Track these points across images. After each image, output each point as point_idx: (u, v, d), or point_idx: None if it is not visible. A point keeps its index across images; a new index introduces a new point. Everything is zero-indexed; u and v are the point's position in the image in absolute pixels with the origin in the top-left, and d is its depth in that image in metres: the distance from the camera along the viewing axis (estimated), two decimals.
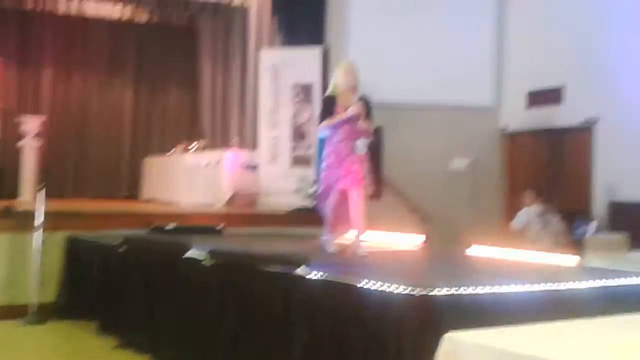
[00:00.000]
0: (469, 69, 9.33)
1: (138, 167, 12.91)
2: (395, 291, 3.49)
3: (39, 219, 6.17)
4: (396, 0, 9.45)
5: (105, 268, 5.90)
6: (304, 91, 9.42)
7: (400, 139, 8.76)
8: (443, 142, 9.18)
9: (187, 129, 13.62)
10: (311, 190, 8.48)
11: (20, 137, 9.03)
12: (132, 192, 12.75)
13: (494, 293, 3.60)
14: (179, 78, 13.72)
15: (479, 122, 9.44)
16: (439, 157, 9.26)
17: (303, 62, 9.37)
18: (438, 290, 3.44)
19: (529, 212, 7.84)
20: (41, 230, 6.19)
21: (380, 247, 6.10)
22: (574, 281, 3.95)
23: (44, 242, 6.18)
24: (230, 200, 9.34)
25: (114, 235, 6.10)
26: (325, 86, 9.10)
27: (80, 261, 6.34)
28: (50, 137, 9.99)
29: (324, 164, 5.59)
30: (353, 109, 5.40)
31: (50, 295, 6.27)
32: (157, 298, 5.16)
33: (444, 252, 5.94)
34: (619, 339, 2.43)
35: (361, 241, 5.48)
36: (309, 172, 9.02)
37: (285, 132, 9.46)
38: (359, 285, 3.69)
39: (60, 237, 6.45)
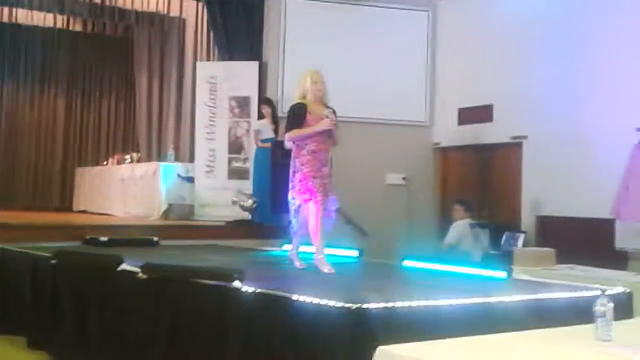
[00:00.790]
0: (404, 86, 9.52)
1: (71, 178, 12.67)
2: (330, 305, 3.53)
3: None
4: (333, 18, 9.57)
5: (36, 281, 5.76)
6: (241, 104, 9.44)
7: (337, 154, 8.82)
8: (379, 157, 9.33)
9: (122, 140, 13.45)
10: (248, 203, 8.48)
11: None
12: (65, 203, 12.52)
13: (427, 306, 3.66)
14: (114, 88, 13.56)
15: (413, 138, 9.63)
16: (376, 172, 9.40)
17: (240, 75, 9.39)
18: (372, 304, 3.48)
19: (460, 226, 8.02)
20: None
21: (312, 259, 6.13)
22: (504, 294, 4.05)
23: None
24: (166, 212, 9.26)
25: (45, 247, 5.98)
26: (261, 99, 9.19)
27: (9, 274, 6.17)
28: None
29: (298, 175, 5.26)
30: (330, 121, 5.19)
31: None
32: (90, 312, 5.06)
33: (379, 266, 6.03)
34: (547, 352, 2.52)
35: (323, 257, 5.26)
36: (246, 185, 9.02)
37: (222, 145, 9.45)
38: (293, 299, 3.71)
39: None
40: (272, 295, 3.89)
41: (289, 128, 5.30)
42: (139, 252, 5.97)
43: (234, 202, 8.59)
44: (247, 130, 9.35)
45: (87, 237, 6.96)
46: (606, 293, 3.10)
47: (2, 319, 6.03)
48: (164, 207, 9.29)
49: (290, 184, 5.34)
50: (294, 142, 5.31)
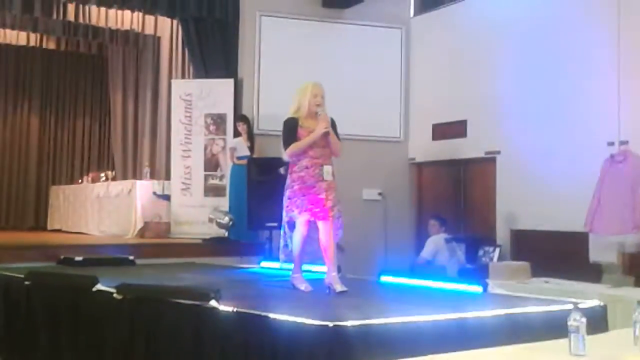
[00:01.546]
0: (379, 102, 9.60)
1: (45, 196, 12.56)
2: (308, 323, 3.53)
3: None
4: (308, 35, 9.62)
5: (10, 302, 5.69)
6: (217, 121, 9.44)
7: None
8: (355, 172, 9.35)
9: (97, 158, 13.38)
10: (225, 220, 8.46)
11: None
12: (39, 222, 12.40)
13: (404, 323, 3.68)
14: (89, 106, 13.51)
15: (389, 153, 9.69)
16: (352, 188, 9.42)
17: (216, 92, 9.40)
18: (350, 322, 3.49)
19: (436, 241, 8.07)
20: None
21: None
22: (480, 309, 4.08)
23: None
24: (142, 231, 9.20)
25: (18, 268, 5.91)
26: (237, 117, 9.19)
27: None
28: None
29: (288, 192, 5.06)
30: (322, 127, 4.98)
31: None
32: (65, 333, 5.02)
33: (356, 282, 6.03)
34: None
35: (336, 275, 5.02)
36: (223, 202, 9.01)
37: (198, 162, 9.43)
38: (270, 317, 3.71)
39: None
40: (249, 314, 3.89)
41: (285, 145, 5.07)
42: (114, 272, 5.93)
43: (211, 220, 8.57)
44: (223, 148, 9.35)
45: (62, 257, 6.90)
46: (580, 307, 3.13)
47: None
48: (139, 225, 9.24)
49: (283, 203, 5.13)
50: (289, 159, 5.11)
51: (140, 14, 10.52)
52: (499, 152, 8.73)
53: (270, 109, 9.37)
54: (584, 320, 2.80)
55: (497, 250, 8.32)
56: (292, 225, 5.12)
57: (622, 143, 7.29)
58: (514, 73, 8.57)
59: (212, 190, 9.38)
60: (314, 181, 4.99)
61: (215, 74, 9.49)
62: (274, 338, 3.63)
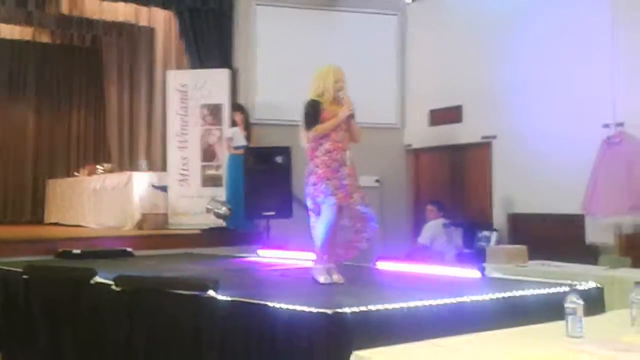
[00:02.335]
0: (375, 89, 9.56)
1: (42, 190, 12.54)
2: (306, 310, 3.54)
3: None
4: (303, 23, 9.61)
5: (8, 296, 5.70)
6: (213, 112, 9.42)
7: None
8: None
9: (94, 151, 13.36)
10: (222, 210, 8.47)
11: None
12: (36, 216, 12.39)
13: (402, 308, 3.68)
14: (84, 99, 13.46)
15: (385, 140, 9.68)
16: None
17: (211, 83, 9.38)
18: (349, 308, 3.50)
19: (434, 226, 8.08)
20: None
21: (289, 266, 6.14)
22: (478, 293, 4.09)
23: None
24: (140, 222, 9.21)
25: (16, 262, 5.92)
26: (233, 106, 9.18)
27: None
28: None
29: (312, 178, 4.83)
30: (346, 110, 4.82)
31: None
32: (64, 326, 5.03)
33: (353, 268, 6.05)
34: (519, 351, 2.56)
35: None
36: (220, 192, 9.01)
37: (195, 153, 9.42)
38: (269, 306, 3.72)
39: None
40: (247, 303, 3.89)
41: (308, 127, 4.84)
42: (112, 264, 5.95)
43: (208, 210, 8.57)
44: (220, 138, 9.34)
45: (60, 250, 6.90)
46: (577, 289, 3.15)
47: None
48: (137, 217, 9.23)
49: (305, 189, 4.91)
50: (308, 143, 4.88)
51: (134, 5, 10.47)
52: (495, 137, 8.74)
53: (266, 98, 9.37)
54: (581, 302, 2.82)
55: (495, 234, 8.35)
56: (318, 212, 4.85)
57: (618, 125, 7.30)
58: (510, 58, 8.56)
59: (209, 181, 9.38)
60: (337, 165, 4.82)
61: (211, 64, 9.47)
62: (273, 326, 3.64)
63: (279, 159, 8.19)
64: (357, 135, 4.98)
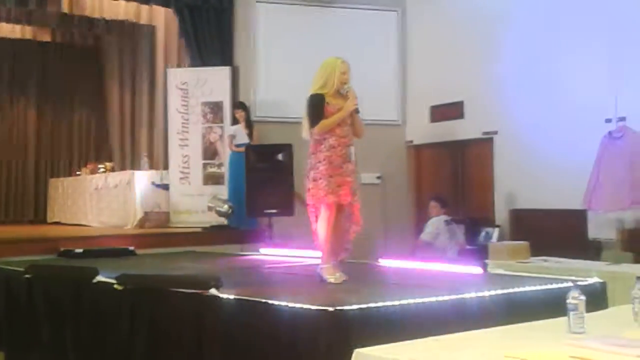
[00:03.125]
0: (375, 86, 9.53)
1: (44, 189, 12.55)
2: (308, 308, 3.54)
3: None
4: (303, 20, 9.60)
5: (11, 296, 5.70)
6: (214, 109, 9.42)
7: None
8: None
9: (95, 149, 13.36)
10: (224, 208, 8.47)
11: None
12: (38, 215, 12.40)
13: (404, 305, 3.68)
14: (85, 97, 13.45)
15: (386, 136, 9.67)
16: None
17: (212, 80, 9.38)
18: (350, 306, 3.50)
19: (436, 222, 8.07)
20: None
21: (290, 263, 6.15)
22: (480, 290, 4.09)
23: None
24: (142, 221, 9.21)
25: (18, 261, 5.92)
26: (234, 104, 9.18)
27: None
28: None
29: (312, 173, 4.72)
30: (352, 103, 4.70)
31: None
32: (67, 326, 5.03)
33: (355, 266, 6.05)
34: (520, 347, 2.55)
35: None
36: (222, 190, 9.01)
37: (196, 151, 9.42)
38: (271, 304, 3.72)
39: None
40: (250, 301, 3.89)
41: (312, 122, 4.72)
42: (115, 263, 5.95)
43: (210, 208, 8.58)
44: (221, 136, 9.34)
45: (62, 249, 6.91)
46: (580, 284, 3.14)
47: None
48: (139, 215, 9.23)
49: (306, 183, 4.81)
50: (311, 137, 4.77)
51: (135, 4, 10.47)
52: (496, 132, 8.73)
53: (267, 95, 9.37)
54: (583, 297, 2.82)
55: (496, 230, 8.34)
56: (318, 209, 4.75)
57: (620, 120, 7.28)
58: (510, 53, 8.55)
59: (211, 179, 9.38)
60: (341, 161, 4.69)
61: (212, 62, 9.47)
62: (275, 324, 3.64)
63: (280, 157, 8.19)
64: (360, 130, 4.88)
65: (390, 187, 9.58)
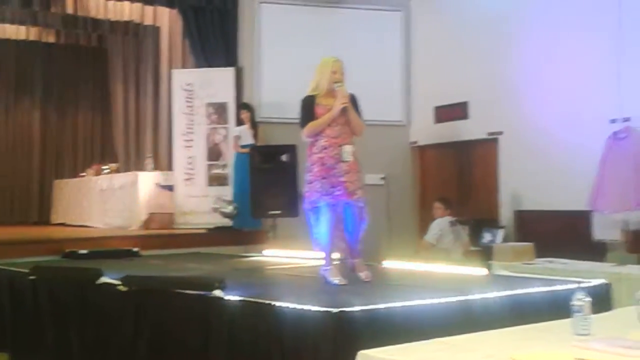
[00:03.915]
0: (380, 86, 9.53)
1: (48, 190, 12.57)
2: (312, 310, 3.54)
3: None
4: (307, 21, 9.59)
5: (16, 297, 5.71)
6: (219, 110, 9.43)
7: None
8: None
9: (100, 150, 13.38)
10: (229, 209, 8.47)
11: None
12: (43, 217, 12.41)
13: (408, 307, 3.68)
14: (90, 98, 13.48)
15: (391, 137, 9.66)
16: None
17: (216, 81, 9.38)
18: (354, 307, 3.49)
19: (441, 224, 8.05)
20: None
21: (294, 264, 6.14)
22: (485, 291, 4.08)
23: None
24: (147, 222, 9.22)
25: (23, 263, 5.93)
26: (239, 105, 9.18)
27: None
28: None
29: (307, 176, 4.73)
30: (340, 102, 4.65)
31: None
32: (71, 326, 5.04)
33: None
34: (525, 349, 2.55)
35: (364, 263, 4.81)
36: (226, 191, 9.01)
37: (201, 152, 9.43)
38: (275, 305, 3.72)
39: None
40: (254, 303, 3.90)
41: (302, 124, 4.75)
42: (119, 264, 5.96)
43: (215, 209, 8.58)
44: (225, 137, 9.35)
45: (67, 250, 6.91)
46: (585, 286, 3.14)
47: None
48: (144, 216, 9.25)
49: (304, 186, 4.82)
50: (307, 139, 4.78)
51: (139, 5, 10.48)
52: (501, 133, 8.71)
53: (272, 96, 9.36)
54: (588, 299, 2.81)
55: (501, 231, 8.31)
56: (315, 211, 4.74)
57: (625, 120, 7.26)
58: (515, 53, 8.53)
59: (216, 180, 9.39)
60: (333, 162, 4.64)
61: (216, 63, 9.48)
62: (279, 326, 3.65)
63: (285, 158, 8.19)
64: (357, 128, 4.80)
65: (395, 188, 9.57)
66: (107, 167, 11.15)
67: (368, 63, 9.52)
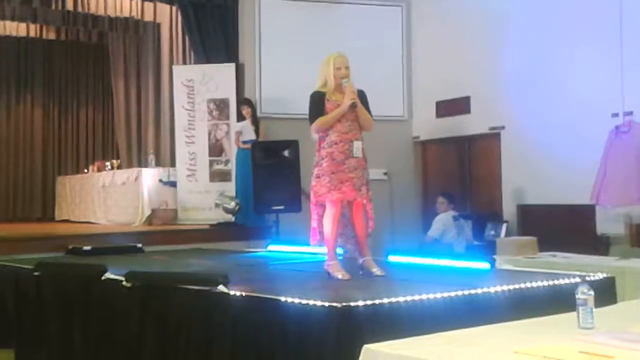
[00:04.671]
0: (381, 81, 9.50)
1: (52, 187, 12.60)
2: (317, 304, 3.54)
3: None
4: (308, 16, 9.59)
5: (20, 294, 5.73)
6: (220, 106, 9.43)
7: None
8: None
9: (102, 147, 13.41)
10: (231, 205, 8.48)
11: None
12: (46, 213, 12.45)
13: (412, 302, 3.68)
14: (91, 95, 13.50)
15: (392, 132, 9.66)
16: None
17: (217, 77, 9.39)
18: (359, 302, 3.50)
19: (444, 219, 8.06)
20: None
21: (297, 259, 6.14)
22: (488, 286, 4.08)
23: None
24: (149, 218, 9.23)
25: (27, 259, 5.94)
26: (241, 101, 9.19)
27: None
28: None
29: (316, 170, 4.72)
30: (349, 98, 4.65)
31: None
32: (75, 323, 5.05)
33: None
34: (528, 343, 2.55)
35: (370, 258, 4.80)
36: (229, 187, 9.02)
37: (202, 148, 9.43)
38: (279, 300, 3.72)
39: None
40: (258, 298, 3.90)
41: (311, 120, 4.73)
42: (123, 260, 5.96)
43: (217, 205, 8.59)
44: (227, 133, 9.35)
45: (70, 247, 6.93)
46: (588, 280, 3.14)
47: None
48: (147, 213, 9.27)
49: (311, 180, 4.79)
50: (316, 134, 4.77)
51: (139, 1, 10.48)
52: (503, 128, 8.71)
53: (273, 92, 9.36)
54: (591, 293, 2.81)
55: (504, 226, 8.32)
56: (321, 206, 4.73)
57: (627, 114, 7.26)
58: (517, 47, 8.53)
59: (218, 176, 9.40)
60: (343, 157, 4.64)
61: (216, 59, 9.48)
62: (283, 321, 3.65)
63: (286, 153, 8.19)
64: (366, 124, 4.81)
65: (397, 183, 9.57)
66: (109, 163, 11.18)
67: (369, 58, 9.50)
